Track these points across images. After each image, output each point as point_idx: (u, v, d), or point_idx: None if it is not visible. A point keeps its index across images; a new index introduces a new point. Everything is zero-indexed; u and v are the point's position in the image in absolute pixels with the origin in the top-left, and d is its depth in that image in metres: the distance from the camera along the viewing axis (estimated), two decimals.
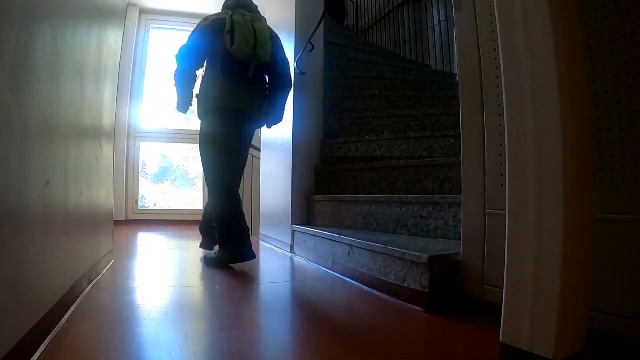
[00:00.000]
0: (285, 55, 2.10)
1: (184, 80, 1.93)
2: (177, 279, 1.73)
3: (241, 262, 1.87)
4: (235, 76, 1.89)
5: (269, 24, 2.06)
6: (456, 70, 1.46)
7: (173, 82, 1.95)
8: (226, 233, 1.87)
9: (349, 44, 3.46)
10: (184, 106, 1.97)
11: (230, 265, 1.87)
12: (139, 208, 4.35)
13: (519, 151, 0.74)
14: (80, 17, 1.15)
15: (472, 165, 1.20)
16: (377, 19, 4.80)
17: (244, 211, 2.06)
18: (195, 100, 2.01)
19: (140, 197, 4.39)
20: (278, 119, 2.12)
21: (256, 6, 2.12)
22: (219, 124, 1.91)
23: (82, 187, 1.25)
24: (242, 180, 2.17)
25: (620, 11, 0.86)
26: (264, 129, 2.49)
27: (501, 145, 1.10)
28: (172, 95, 2.03)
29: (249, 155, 2.20)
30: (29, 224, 0.78)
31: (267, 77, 2.06)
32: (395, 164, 2.03)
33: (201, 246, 2.32)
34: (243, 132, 2.00)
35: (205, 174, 2.05)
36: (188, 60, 1.91)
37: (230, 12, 1.90)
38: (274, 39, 2.02)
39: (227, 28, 1.84)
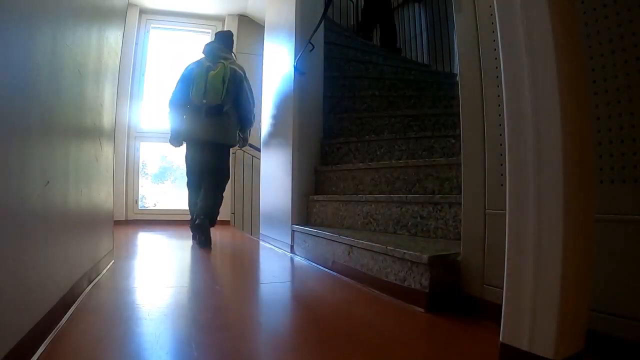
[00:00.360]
0: (246, 95, 2.68)
1: (173, 120, 2.69)
2: (177, 279, 1.73)
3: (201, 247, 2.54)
4: (194, 115, 2.59)
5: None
6: (456, 70, 1.46)
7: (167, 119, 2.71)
8: (193, 230, 2.70)
9: (349, 44, 3.46)
10: (176, 140, 2.73)
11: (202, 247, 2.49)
12: (139, 208, 4.35)
13: (519, 151, 0.74)
14: (80, 17, 1.15)
15: (472, 165, 1.20)
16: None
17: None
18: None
19: (140, 197, 4.39)
20: (243, 144, 2.92)
21: (225, 46, 2.76)
22: (187, 149, 2.75)
23: (82, 187, 1.25)
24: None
25: (620, 11, 0.86)
26: (264, 128, 2.85)
27: (501, 145, 1.10)
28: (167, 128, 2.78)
29: (249, 155, 2.27)
30: (29, 224, 0.78)
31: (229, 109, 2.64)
32: (395, 164, 2.03)
33: (202, 244, 2.55)
34: (204, 155, 2.64)
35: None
36: (173, 107, 2.67)
37: (195, 65, 2.64)
38: (233, 82, 2.56)
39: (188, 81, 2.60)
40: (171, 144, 2.74)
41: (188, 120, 2.62)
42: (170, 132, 2.70)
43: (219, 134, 2.61)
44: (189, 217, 2.80)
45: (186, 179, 2.81)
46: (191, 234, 2.76)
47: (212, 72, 2.53)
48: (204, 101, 2.52)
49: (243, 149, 3.32)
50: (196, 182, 2.71)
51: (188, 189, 2.80)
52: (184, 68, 2.69)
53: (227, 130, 2.65)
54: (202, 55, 2.72)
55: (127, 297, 1.35)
